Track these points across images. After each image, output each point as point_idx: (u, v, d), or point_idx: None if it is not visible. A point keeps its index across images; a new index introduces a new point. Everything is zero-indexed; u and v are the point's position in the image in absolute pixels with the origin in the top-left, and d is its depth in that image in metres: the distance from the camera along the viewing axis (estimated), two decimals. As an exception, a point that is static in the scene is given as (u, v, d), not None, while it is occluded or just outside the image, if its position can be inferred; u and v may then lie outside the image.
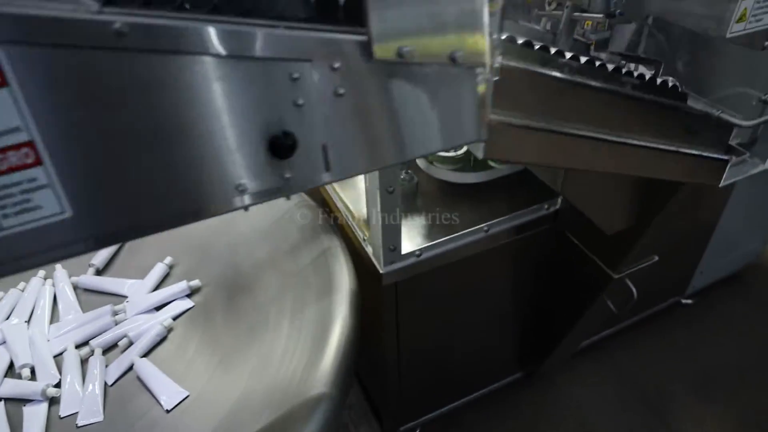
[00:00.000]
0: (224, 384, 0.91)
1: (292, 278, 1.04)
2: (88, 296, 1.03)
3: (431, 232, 1.11)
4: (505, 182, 1.21)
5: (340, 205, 1.21)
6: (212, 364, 0.95)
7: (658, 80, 0.82)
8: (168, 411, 0.87)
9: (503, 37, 0.64)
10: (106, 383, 0.91)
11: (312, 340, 0.91)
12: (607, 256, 1.11)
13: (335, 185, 1.24)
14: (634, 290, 1.14)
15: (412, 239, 1.09)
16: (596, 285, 1.15)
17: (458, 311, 1.28)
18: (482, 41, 0.49)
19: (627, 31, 0.89)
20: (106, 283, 1.06)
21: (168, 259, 1.10)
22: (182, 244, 1.13)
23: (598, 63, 0.74)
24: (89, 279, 1.05)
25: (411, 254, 1.06)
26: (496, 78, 0.53)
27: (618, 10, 0.83)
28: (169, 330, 1.00)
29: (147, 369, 0.92)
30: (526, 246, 1.21)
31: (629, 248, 1.04)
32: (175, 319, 1.02)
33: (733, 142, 0.85)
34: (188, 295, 1.06)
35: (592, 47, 0.84)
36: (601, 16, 0.75)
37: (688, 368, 1.68)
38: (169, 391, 0.89)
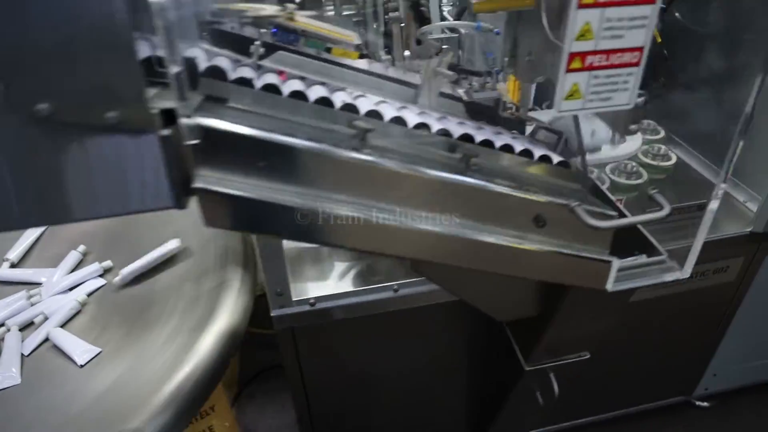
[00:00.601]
0: (121, 355, 0.93)
1: (187, 300, 1.02)
2: (2, 288, 1.07)
3: (340, 282, 1.04)
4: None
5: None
6: (121, 331, 0.97)
7: (538, 153, 0.70)
8: (81, 366, 0.91)
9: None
10: (23, 354, 0.95)
11: (169, 365, 0.89)
12: (525, 344, 0.98)
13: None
14: (555, 387, 0.99)
15: (317, 286, 1.03)
16: (514, 372, 1.01)
17: (379, 371, 1.19)
18: (140, 102, 0.43)
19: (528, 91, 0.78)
20: (20, 274, 1.09)
21: (81, 247, 1.12)
22: (96, 236, 1.16)
23: (440, 128, 0.65)
24: (4, 272, 1.09)
25: (304, 302, 1.00)
26: (196, 141, 0.47)
27: (496, 68, 0.72)
28: (84, 305, 1.02)
29: (61, 336, 0.95)
30: (449, 313, 1.10)
31: (536, 342, 0.91)
32: (89, 295, 1.04)
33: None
34: (101, 276, 1.08)
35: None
36: (451, 74, 0.65)
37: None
38: (82, 350, 0.93)
